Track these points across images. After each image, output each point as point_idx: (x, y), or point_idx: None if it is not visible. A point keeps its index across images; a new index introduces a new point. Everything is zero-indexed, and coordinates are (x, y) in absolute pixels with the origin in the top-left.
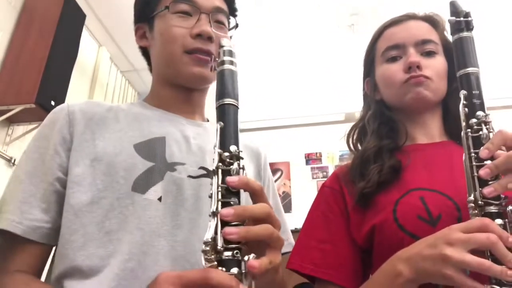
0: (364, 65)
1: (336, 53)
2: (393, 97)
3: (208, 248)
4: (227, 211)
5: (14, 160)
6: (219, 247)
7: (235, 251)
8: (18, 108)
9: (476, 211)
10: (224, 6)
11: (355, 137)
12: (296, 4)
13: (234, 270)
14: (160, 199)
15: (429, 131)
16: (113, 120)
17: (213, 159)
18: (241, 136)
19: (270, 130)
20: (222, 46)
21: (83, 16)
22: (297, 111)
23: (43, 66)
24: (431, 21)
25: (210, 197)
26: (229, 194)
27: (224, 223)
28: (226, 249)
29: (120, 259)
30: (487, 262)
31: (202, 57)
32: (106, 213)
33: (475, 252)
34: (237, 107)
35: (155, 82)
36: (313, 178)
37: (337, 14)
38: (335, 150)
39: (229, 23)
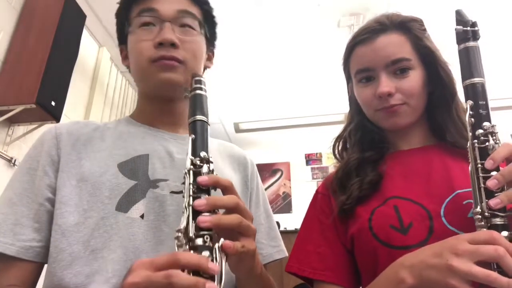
0: (343, 72)
1: (336, 54)
2: (370, 118)
3: (180, 235)
4: (200, 201)
5: (15, 161)
6: (190, 235)
7: (205, 237)
8: (18, 108)
9: (483, 223)
10: (190, 8)
11: (340, 147)
12: (296, 4)
13: (205, 253)
14: (142, 216)
15: (410, 138)
16: (99, 140)
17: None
18: (228, 147)
19: (270, 130)
20: (194, 77)
21: (83, 16)
22: (297, 111)
23: (43, 67)
24: (403, 28)
25: (183, 196)
26: (200, 191)
27: (196, 215)
28: (197, 236)
29: (104, 276)
30: (494, 274)
31: (167, 62)
32: (91, 232)
33: (480, 263)
34: (206, 122)
35: (138, 97)
36: (313, 178)
37: (337, 14)
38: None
39: (201, 24)
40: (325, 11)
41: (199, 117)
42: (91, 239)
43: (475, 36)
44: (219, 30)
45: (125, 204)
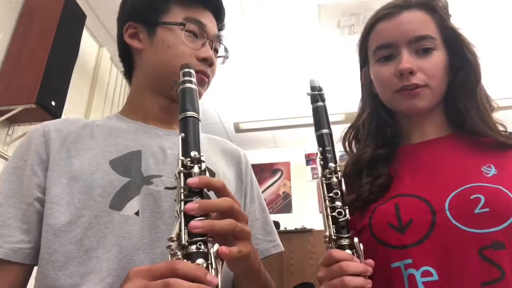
0: (358, 56)
1: (336, 53)
2: (387, 102)
3: (172, 243)
4: (192, 206)
5: None
6: (183, 242)
7: (198, 243)
8: (18, 108)
9: (331, 245)
10: (220, 33)
11: (351, 137)
12: (296, 4)
13: (200, 261)
14: (137, 213)
15: (425, 130)
16: (88, 137)
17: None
18: (221, 142)
19: (270, 130)
20: (182, 69)
21: (83, 16)
22: (297, 111)
23: (43, 66)
24: (428, 7)
25: (175, 200)
26: (192, 194)
27: (189, 221)
28: (191, 243)
29: (99, 276)
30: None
31: (203, 77)
32: (84, 231)
33: None
34: (197, 119)
35: (136, 89)
36: (313, 178)
37: (337, 14)
38: (335, 150)
39: (225, 48)
40: (325, 11)
41: (189, 113)
42: (84, 238)
43: (322, 98)
44: None
45: (119, 202)
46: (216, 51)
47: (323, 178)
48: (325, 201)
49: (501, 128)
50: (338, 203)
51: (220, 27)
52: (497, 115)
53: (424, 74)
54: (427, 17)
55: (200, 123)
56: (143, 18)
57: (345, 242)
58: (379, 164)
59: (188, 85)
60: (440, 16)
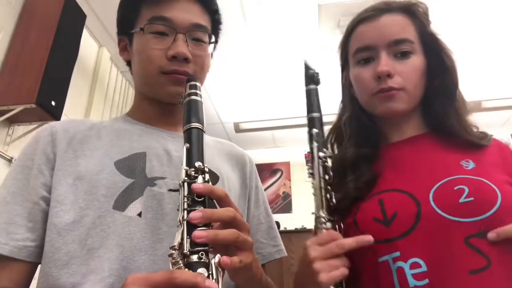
0: (340, 58)
1: (336, 53)
2: (365, 104)
3: (174, 252)
4: (196, 214)
5: (15, 161)
6: (185, 251)
7: (200, 253)
8: (18, 108)
9: (324, 226)
10: (203, 21)
11: (333, 140)
12: (296, 4)
13: (200, 271)
14: (140, 214)
15: (402, 130)
16: (95, 138)
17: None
18: (227, 145)
19: (270, 130)
20: (189, 82)
21: (83, 16)
22: (297, 111)
23: (43, 66)
24: (408, 11)
25: (178, 209)
26: (195, 203)
27: (191, 230)
28: (192, 253)
29: (100, 275)
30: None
31: (180, 76)
32: (88, 231)
33: None
34: (202, 130)
35: (136, 96)
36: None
37: (337, 14)
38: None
39: (210, 36)
40: (325, 11)
41: (194, 124)
42: (87, 238)
43: (317, 80)
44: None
45: (122, 202)
46: (199, 40)
47: (320, 160)
48: (320, 182)
49: (474, 130)
50: (329, 188)
51: (211, 11)
52: (497, 115)
53: (401, 77)
54: (407, 21)
55: (204, 134)
56: (125, 30)
57: (329, 225)
58: (362, 164)
59: (193, 97)
60: (420, 21)
